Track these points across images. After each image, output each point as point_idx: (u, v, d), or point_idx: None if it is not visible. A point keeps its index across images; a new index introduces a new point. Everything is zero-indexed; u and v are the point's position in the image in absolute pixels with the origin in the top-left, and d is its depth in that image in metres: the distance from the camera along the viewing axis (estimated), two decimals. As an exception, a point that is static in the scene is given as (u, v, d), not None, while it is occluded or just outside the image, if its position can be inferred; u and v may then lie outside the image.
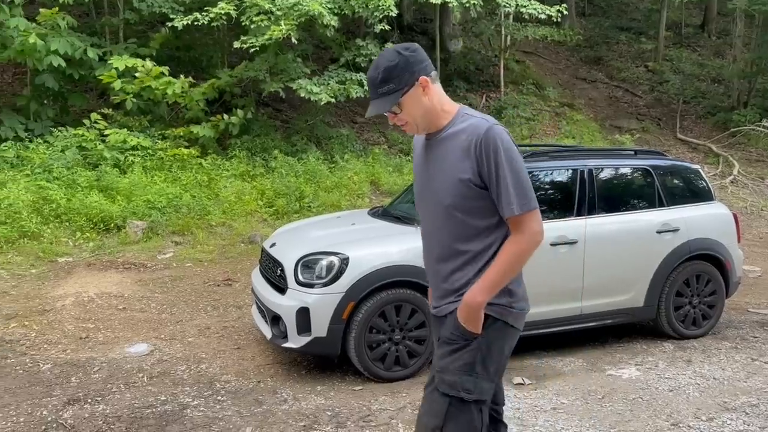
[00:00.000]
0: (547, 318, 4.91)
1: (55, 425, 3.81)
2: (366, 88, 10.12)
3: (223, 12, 9.51)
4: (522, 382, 4.53)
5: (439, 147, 2.29)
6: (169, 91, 9.47)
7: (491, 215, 2.24)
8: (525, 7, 11.36)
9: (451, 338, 2.28)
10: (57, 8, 9.59)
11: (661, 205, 5.40)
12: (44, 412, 3.96)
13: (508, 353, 2.35)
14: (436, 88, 2.26)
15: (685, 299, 5.42)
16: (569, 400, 4.25)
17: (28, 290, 6.17)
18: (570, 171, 5.18)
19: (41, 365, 4.66)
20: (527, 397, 4.28)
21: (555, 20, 11.86)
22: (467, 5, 10.81)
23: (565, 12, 11.96)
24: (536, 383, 4.53)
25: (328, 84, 10.03)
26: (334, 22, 9.47)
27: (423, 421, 2.32)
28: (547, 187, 5.26)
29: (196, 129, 9.76)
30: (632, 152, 5.98)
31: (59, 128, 9.39)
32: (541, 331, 4.95)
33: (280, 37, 9.21)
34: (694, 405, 4.15)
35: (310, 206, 9.21)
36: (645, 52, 18.69)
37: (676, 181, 5.64)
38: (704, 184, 5.77)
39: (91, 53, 9.65)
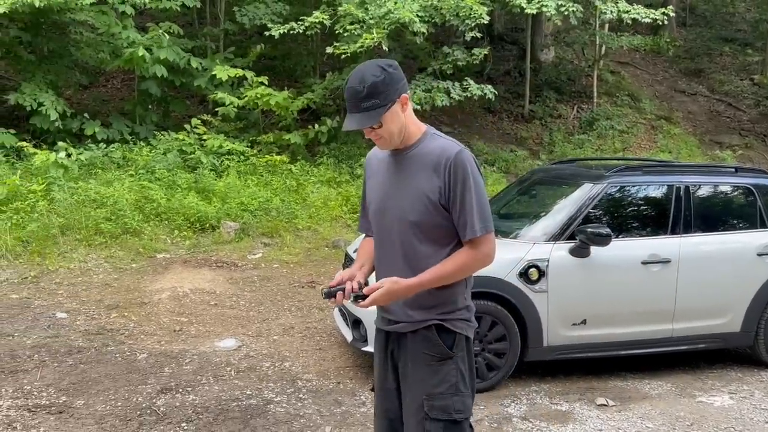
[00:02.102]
0: (636, 339, 4.75)
1: (148, 411, 4.05)
2: (451, 95, 10.16)
3: (317, 21, 9.79)
4: (605, 403, 4.40)
5: (407, 163, 2.31)
6: (272, 102, 9.86)
7: (449, 236, 2.28)
8: (627, 12, 10.96)
9: (427, 359, 2.29)
10: (166, 21, 10.22)
11: (763, 226, 5.10)
12: (139, 399, 4.22)
13: None
14: (410, 106, 2.34)
15: (788, 327, 5.08)
16: (655, 425, 4.10)
17: (128, 283, 6.57)
18: (665, 187, 4.99)
19: (138, 354, 4.95)
20: (610, 419, 4.16)
21: (660, 23, 11.36)
22: (566, 13, 10.54)
23: (672, 13, 11.41)
24: (620, 405, 4.38)
25: (414, 92, 10.10)
26: (424, 29, 9.54)
27: None
28: (640, 202, 5.10)
29: (287, 136, 10.11)
30: (733, 169, 5.69)
31: (162, 132, 9.96)
32: (628, 351, 4.79)
33: (371, 45, 9.38)
34: (794, 440, 3.90)
35: (393, 214, 9.31)
36: (751, 65, 17.68)
37: (781, 202, 5.31)
38: (813, 205, 5.40)
39: (194, 63, 10.20)
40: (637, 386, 4.73)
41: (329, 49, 9.88)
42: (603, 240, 4.48)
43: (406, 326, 2.34)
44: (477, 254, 2.27)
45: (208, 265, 7.22)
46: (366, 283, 2.35)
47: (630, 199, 5.04)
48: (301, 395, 4.37)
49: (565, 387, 4.67)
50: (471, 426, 2.36)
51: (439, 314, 2.30)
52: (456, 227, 2.27)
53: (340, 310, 5.11)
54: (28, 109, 9.11)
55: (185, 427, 3.86)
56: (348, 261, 5.23)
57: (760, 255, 4.97)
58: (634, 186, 5.03)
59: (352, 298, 2.26)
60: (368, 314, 4.50)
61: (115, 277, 6.76)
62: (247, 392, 4.37)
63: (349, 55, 9.60)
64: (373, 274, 2.47)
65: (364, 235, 2.62)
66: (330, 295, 2.27)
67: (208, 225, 8.20)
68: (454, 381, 2.28)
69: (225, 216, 8.32)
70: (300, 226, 8.65)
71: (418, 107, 9.97)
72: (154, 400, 4.20)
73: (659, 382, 4.81)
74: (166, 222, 8.08)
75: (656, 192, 5.06)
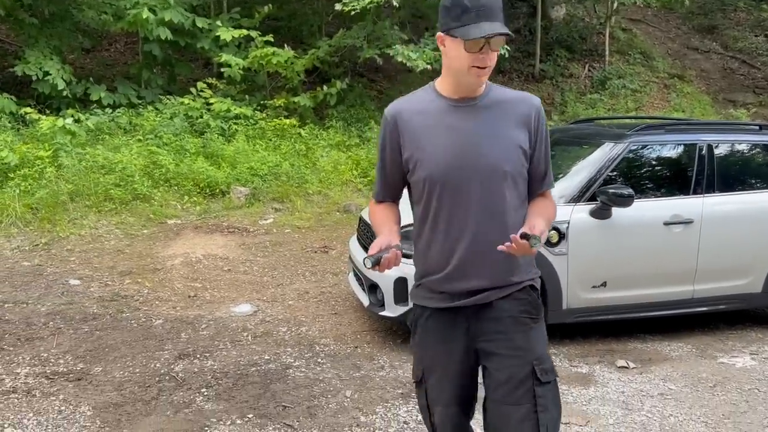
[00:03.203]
0: (656, 300, 4.68)
1: (167, 377, 4.03)
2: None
3: (326, -24, 9.54)
4: (626, 365, 4.36)
5: (486, 112, 2.14)
6: (274, 61, 9.66)
7: (526, 188, 2.24)
8: None
9: (527, 322, 2.16)
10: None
11: (788, 185, 4.98)
12: (157, 365, 4.20)
13: None
14: None
15: (810, 288, 5.01)
16: (678, 386, 4.06)
17: (140, 249, 6.53)
18: (688, 146, 4.87)
19: (153, 320, 4.93)
20: (632, 381, 4.12)
21: None
22: None
23: None
24: (641, 367, 4.34)
25: (423, 51, 9.87)
26: (437, -17, 9.27)
27: (545, 419, 2.09)
28: (662, 162, 4.98)
29: (296, 99, 9.94)
30: (756, 127, 5.54)
31: (167, 96, 9.81)
32: (649, 313, 4.73)
33: (380, 1, 9.12)
34: (820, 401, 3.86)
35: (404, 177, 9.21)
36: (765, 21, 17.25)
37: (806, 160, 5.18)
38: (838, 163, 5.27)
39: (200, 23, 9.98)
40: (657, 348, 4.69)
41: (338, 6, 9.60)
42: (625, 201, 4.38)
43: (493, 293, 2.14)
44: (552, 204, 2.30)
45: (220, 230, 7.17)
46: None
47: (652, 158, 4.92)
48: (319, 360, 4.34)
49: (585, 350, 4.64)
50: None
51: (529, 274, 2.23)
52: (533, 178, 2.23)
53: (356, 275, 5.05)
54: (34, 78, 8.98)
55: (205, 393, 3.84)
56: (363, 226, 5.15)
57: (783, 215, 4.87)
58: (656, 145, 4.89)
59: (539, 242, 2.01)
60: (384, 279, 4.44)
61: (126, 243, 6.72)
62: (266, 357, 4.34)
63: (358, 10, 9.33)
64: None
65: (374, 201, 2.40)
66: (376, 262, 2.09)
67: (218, 190, 8.13)
68: (546, 339, 2.22)
69: (235, 181, 8.24)
70: (310, 191, 8.57)
71: (428, 66, 9.74)
72: (172, 366, 4.18)
73: (679, 343, 4.77)
74: (176, 187, 8.01)
75: (678, 151, 4.93)
